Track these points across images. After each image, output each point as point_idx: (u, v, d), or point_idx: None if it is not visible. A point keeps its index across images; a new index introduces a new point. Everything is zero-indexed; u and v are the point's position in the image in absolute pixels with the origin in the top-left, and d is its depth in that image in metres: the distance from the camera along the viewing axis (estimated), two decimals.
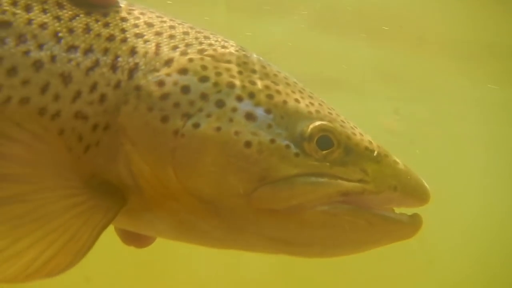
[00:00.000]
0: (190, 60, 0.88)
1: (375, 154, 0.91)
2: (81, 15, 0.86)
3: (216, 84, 0.87)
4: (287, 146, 0.86)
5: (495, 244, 8.21)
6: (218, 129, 0.84)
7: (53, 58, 0.82)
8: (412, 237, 0.93)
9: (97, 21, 0.87)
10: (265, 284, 6.13)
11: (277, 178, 0.84)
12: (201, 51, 0.90)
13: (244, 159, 0.83)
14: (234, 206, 0.85)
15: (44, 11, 0.84)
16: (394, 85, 6.50)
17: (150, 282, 5.68)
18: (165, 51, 0.88)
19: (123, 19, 0.90)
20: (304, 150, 0.86)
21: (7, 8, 0.82)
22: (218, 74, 0.88)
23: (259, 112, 0.86)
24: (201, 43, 0.92)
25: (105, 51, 0.85)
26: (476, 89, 6.23)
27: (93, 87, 0.83)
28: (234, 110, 0.85)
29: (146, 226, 0.93)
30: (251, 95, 0.88)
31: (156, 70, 0.86)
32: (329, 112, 0.92)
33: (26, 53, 0.80)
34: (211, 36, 0.95)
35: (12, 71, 0.79)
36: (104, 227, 0.81)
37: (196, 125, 0.84)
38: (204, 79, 0.87)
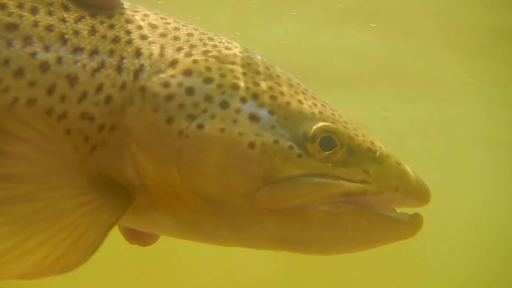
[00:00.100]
0: (195, 61, 0.89)
1: (377, 155, 0.92)
2: (87, 17, 0.87)
3: (220, 85, 0.88)
4: (291, 147, 0.87)
5: (495, 244, 8.22)
6: (222, 130, 0.85)
7: (59, 60, 0.83)
8: (413, 236, 0.95)
9: (102, 23, 0.88)
10: (266, 285, 6.13)
11: (280, 178, 0.85)
12: (205, 53, 0.91)
13: (248, 160, 0.85)
14: (237, 206, 0.86)
15: (50, 13, 0.85)
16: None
17: (150, 282, 5.69)
18: (170, 52, 0.89)
19: (128, 21, 0.91)
20: (307, 150, 0.87)
21: (13, 10, 0.83)
22: (222, 75, 0.89)
23: (263, 113, 0.88)
24: (205, 45, 0.92)
25: (111, 52, 0.86)
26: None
27: (99, 88, 0.84)
28: (238, 111, 0.86)
29: (151, 225, 0.94)
30: (255, 96, 0.89)
31: (161, 71, 0.87)
32: (332, 113, 0.93)
33: (33, 55, 0.81)
34: (215, 37, 0.96)
35: (19, 72, 0.80)
36: (112, 225, 0.82)
37: (201, 126, 0.85)
38: (208, 80, 0.88)
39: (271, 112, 0.88)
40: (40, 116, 0.80)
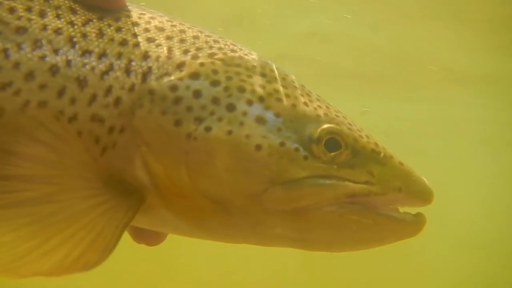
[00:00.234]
0: (202, 64, 0.90)
1: (381, 156, 0.94)
2: (94, 20, 0.89)
3: (226, 88, 0.89)
4: (296, 149, 0.88)
5: (495, 244, 8.22)
6: (230, 132, 0.86)
7: (68, 63, 0.84)
8: (416, 235, 0.96)
9: (109, 26, 0.89)
10: (266, 285, 6.14)
11: (286, 180, 0.87)
12: (211, 55, 0.92)
13: (255, 162, 0.86)
14: (244, 206, 0.87)
15: (58, 16, 0.86)
16: None
17: (150, 282, 5.70)
18: (177, 55, 0.90)
19: (135, 24, 0.92)
20: (312, 152, 0.89)
21: (22, 14, 0.84)
22: (229, 78, 0.90)
23: (269, 115, 0.89)
24: (211, 47, 0.94)
25: (119, 55, 0.87)
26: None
27: (108, 91, 0.85)
28: (245, 114, 0.88)
29: (162, 224, 0.96)
30: (261, 99, 0.90)
31: (168, 74, 0.88)
32: (336, 115, 0.94)
33: (43, 58, 0.82)
34: (220, 40, 0.97)
35: (29, 75, 0.81)
36: (126, 225, 0.83)
37: (208, 129, 0.86)
38: (215, 83, 0.89)
39: (277, 115, 0.89)
40: (53, 118, 0.81)
